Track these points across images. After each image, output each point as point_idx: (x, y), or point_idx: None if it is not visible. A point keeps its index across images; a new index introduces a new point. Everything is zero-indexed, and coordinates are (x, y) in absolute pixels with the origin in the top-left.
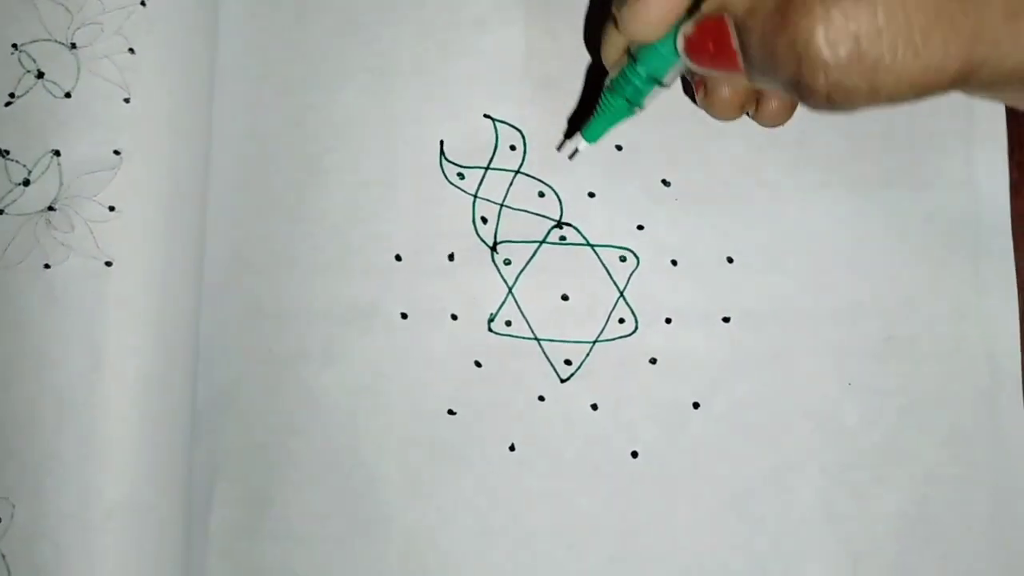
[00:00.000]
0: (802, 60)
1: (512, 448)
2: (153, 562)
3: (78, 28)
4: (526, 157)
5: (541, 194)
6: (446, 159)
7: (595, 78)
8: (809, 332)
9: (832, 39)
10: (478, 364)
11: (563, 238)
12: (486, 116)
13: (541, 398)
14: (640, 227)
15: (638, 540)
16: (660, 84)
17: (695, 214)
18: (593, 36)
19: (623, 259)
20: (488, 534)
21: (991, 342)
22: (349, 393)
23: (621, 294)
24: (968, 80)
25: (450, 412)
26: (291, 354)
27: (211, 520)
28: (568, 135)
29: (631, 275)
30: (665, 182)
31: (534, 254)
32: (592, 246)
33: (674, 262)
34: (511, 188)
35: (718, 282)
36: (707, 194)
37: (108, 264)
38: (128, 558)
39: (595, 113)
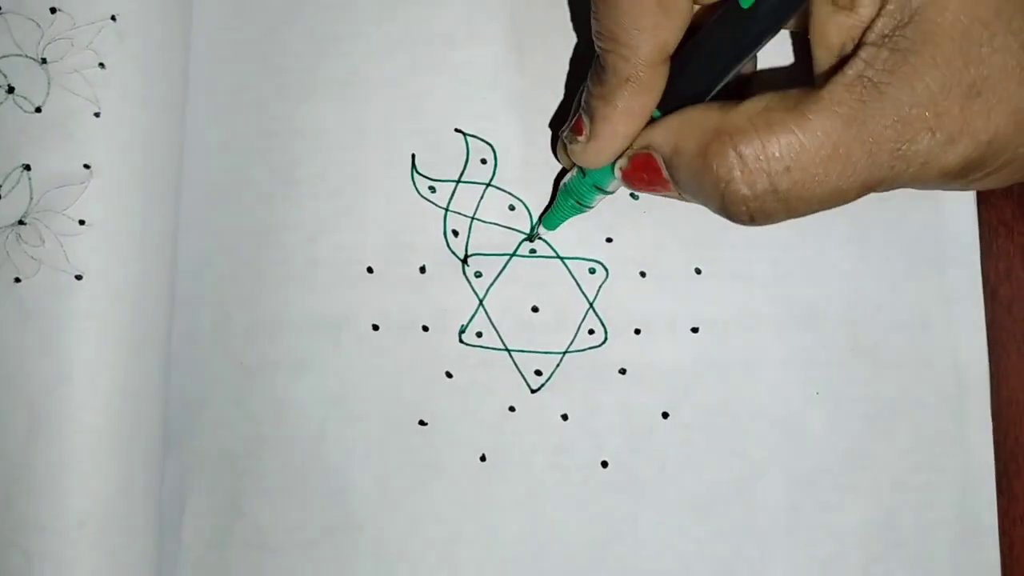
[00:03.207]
0: (724, 197)
1: (483, 458)
2: (125, 572)
3: (48, 43)
4: (497, 170)
5: (512, 207)
6: (417, 172)
7: (570, 90)
8: (776, 341)
9: (748, 180)
10: (449, 375)
11: (533, 251)
12: (456, 130)
13: (512, 408)
14: (609, 240)
15: (607, 549)
16: (605, 192)
17: (663, 226)
18: (561, 51)
19: (592, 271)
20: (458, 543)
21: (958, 351)
22: (320, 404)
23: (591, 305)
24: (876, 190)
25: (421, 423)
26: (262, 365)
27: (183, 530)
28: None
29: (600, 287)
30: (633, 196)
31: (504, 266)
32: (562, 258)
33: (643, 274)
34: (482, 201)
35: (686, 293)
36: (674, 207)
37: (78, 278)
38: (100, 568)
39: (553, 208)
